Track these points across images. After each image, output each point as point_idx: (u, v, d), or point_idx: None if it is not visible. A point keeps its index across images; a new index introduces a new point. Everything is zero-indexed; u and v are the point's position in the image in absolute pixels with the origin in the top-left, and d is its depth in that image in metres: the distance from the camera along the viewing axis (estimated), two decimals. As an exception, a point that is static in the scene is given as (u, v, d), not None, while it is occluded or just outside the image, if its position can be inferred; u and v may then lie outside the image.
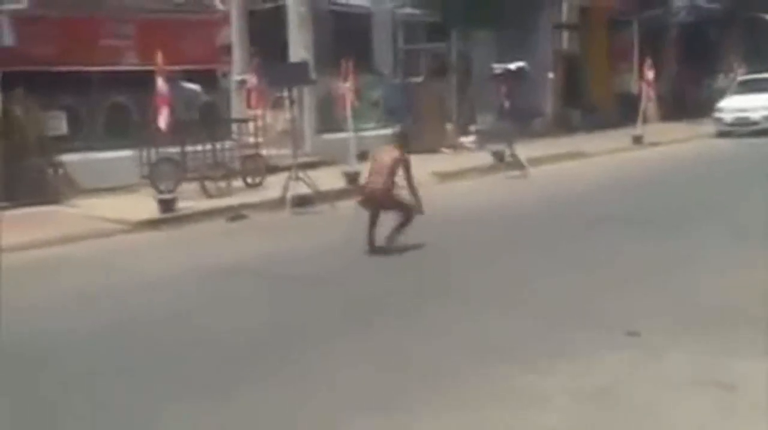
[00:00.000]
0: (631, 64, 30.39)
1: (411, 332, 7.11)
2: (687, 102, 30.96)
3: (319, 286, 8.94)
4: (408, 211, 10.18)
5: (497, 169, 17.97)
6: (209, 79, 18.80)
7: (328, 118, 19.37)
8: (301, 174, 13.98)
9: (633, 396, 5.51)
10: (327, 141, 18.73)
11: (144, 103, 15.57)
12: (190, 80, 17.67)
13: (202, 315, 7.99)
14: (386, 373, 6.16)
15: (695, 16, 32.17)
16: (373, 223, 10.28)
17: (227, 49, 19.14)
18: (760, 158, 18.33)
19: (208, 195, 14.65)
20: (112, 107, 17.11)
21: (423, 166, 15.66)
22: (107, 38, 16.87)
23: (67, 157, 15.34)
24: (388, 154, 10.38)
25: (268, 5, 20.46)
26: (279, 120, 18.35)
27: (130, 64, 16.90)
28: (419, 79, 23.16)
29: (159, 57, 13.63)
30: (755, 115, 24.13)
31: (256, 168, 16.15)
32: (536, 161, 18.21)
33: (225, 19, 19.15)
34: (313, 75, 16.95)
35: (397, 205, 10.26)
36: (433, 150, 20.17)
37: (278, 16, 19.89)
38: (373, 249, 10.18)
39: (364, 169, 11.27)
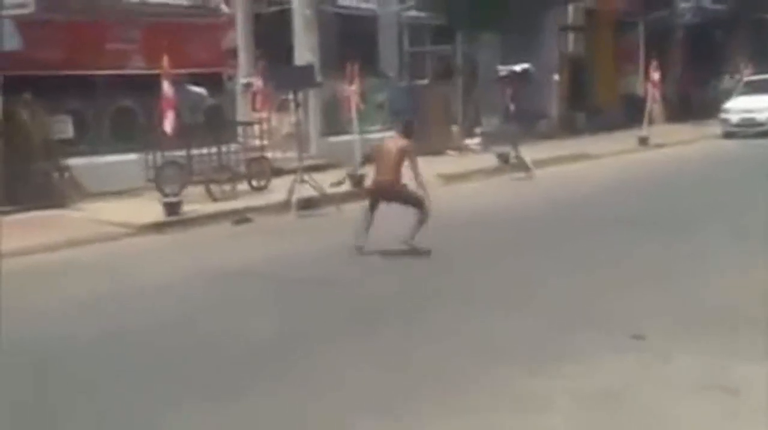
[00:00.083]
0: (637, 66, 30.35)
1: (417, 334, 7.12)
2: (693, 103, 30.95)
3: (324, 288, 8.94)
4: (419, 204, 10.17)
5: (502, 171, 17.97)
6: (215, 83, 18.81)
7: (334, 121, 19.39)
8: (306, 177, 13.99)
9: (637, 400, 5.51)
10: (332, 144, 18.74)
11: (150, 106, 15.61)
12: (196, 84, 17.69)
13: (207, 319, 8.00)
14: (392, 375, 6.16)
15: (701, 17, 32.12)
16: (367, 218, 10.31)
17: (233, 52, 19.18)
18: (767, 159, 18.29)
19: (214, 198, 14.66)
20: (117, 111, 17.13)
21: (428, 167, 15.57)
22: (113, 42, 16.89)
23: (73, 161, 15.37)
24: (394, 143, 10.41)
25: (274, 8, 20.51)
26: (284, 123, 18.38)
27: (135, 67, 16.93)
28: (425, 82, 23.21)
29: (165, 61, 13.66)
30: (761, 116, 24.10)
31: (262, 171, 16.15)
32: (541, 163, 18.20)
33: (230, 22, 19.18)
34: (319, 78, 16.97)
35: (405, 196, 10.26)
36: (438, 152, 20.18)
37: (284, 19, 19.91)
38: (360, 250, 10.24)
39: (370, 172, 11.27)
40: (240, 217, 13.49)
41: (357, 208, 11.13)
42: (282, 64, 17.95)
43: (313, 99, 19.06)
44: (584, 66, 28.54)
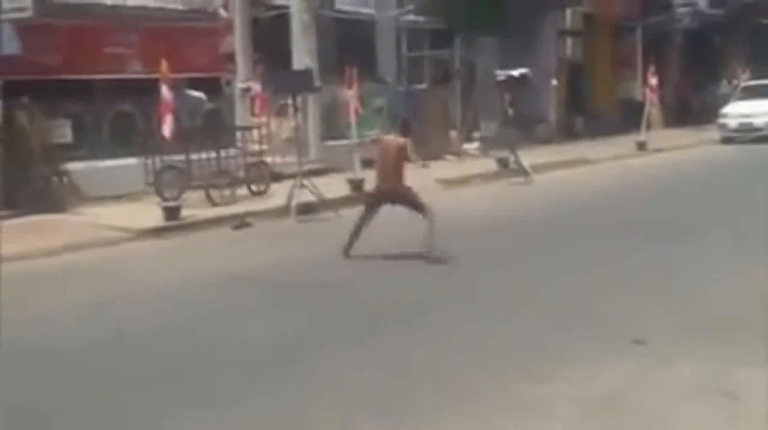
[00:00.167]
0: (635, 71, 30.39)
1: (417, 338, 7.12)
2: (691, 108, 31.04)
3: (324, 293, 8.94)
4: (421, 208, 10.17)
5: (501, 176, 18.00)
6: (213, 87, 18.84)
7: (333, 126, 19.41)
8: (305, 181, 13.99)
9: (637, 404, 5.51)
10: (331, 148, 18.75)
11: (148, 111, 15.62)
12: (195, 88, 17.71)
13: (207, 323, 7.99)
14: (392, 379, 6.16)
15: (699, 22, 32.18)
16: (360, 225, 10.33)
17: (231, 56, 19.18)
18: (764, 164, 18.32)
19: (213, 203, 14.65)
20: (116, 115, 17.15)
21: (427, 173, 15.62)
22: (112, 46, 16.92)
23: (72, 166, 15.37)
24: (394, 141, 10.43)
25: (272, 13, 20.51)
26: (283, 127, 18.37)
27: (134, 72, 16.95)
28: (423, 86, 23.23)
29: (163, 65, 13.67)
30: (759, 121, 24.12)
31: (261, 176, 16.15)
32: (540, 168, 18.22)
33: (229, 26, 19.18)
34: (317, 82, 16.98)
35: (409, 199, 10.25)
36: (436, 157, 20.15)
37: (282, 23, 19.92)
38: (348, 253, 10.26)
39: (369, 176, 11.28)
40: (239, 222, 13.48)
41: (356, 213, 11.12)
42: (280, 68, 17.95)
43: (312, 104, 19.07)
44: (582, 71, 28.59)
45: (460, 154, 21.90)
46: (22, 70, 14.83)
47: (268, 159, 16.76)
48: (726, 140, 24.52)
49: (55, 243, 12.02)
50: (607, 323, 7.34)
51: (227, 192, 15.01)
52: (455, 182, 17.50)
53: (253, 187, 15.94)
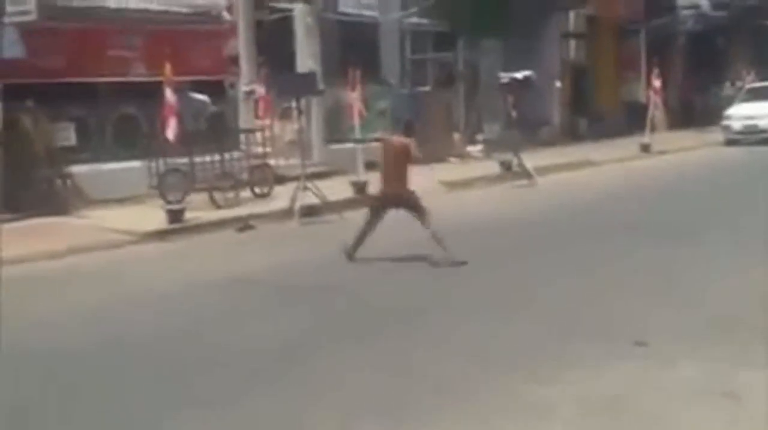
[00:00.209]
0: (639, 73, 30.41)
1: (418, 340, 7.13)
2: (694, 110, 31.01)
3: (327, 295, 8.95)
4: (422, 214, 10.18)
5: (504, 179, 17.99)
6: (217, 90, 18.84)
7: (336, 128, 19.43)
8: (309, 184, 14.01)
9: (639, 406, 5.51)
10: (335, 151, 18.76)
11: (152, 114, 15.64)
12: (199, 91, 17.71)
13: (210, 326, 8.01)
14: (393, 380, 6.17)
15: (702, 24, 32.16)
16: (366, 230, 10.33)
17: (235, 59, 19.19)
18: (768, 166, 18.33)
19: (217, 206, 14.68)
20: (120, 118, 17.17)
21: (430, 175, 15.73)
22: (116, 49, 16.94)
23: (76, 169, 15.42)
24: (398, 142, 10.43)
25: (276, 16, 20.51)
26: (287, 130, 18.40)
27: (138, 75, 16.97)
28: (426, 89, 23.22)
29: (167, 68, 13.68)
30: (763, 123, 24.08)
31: (265, 178, 16.18)
32: (544, 170, 18.22)
33: (232, 29, 19.19)
34: (321, 85, 17.00)
35: (412, 204, 10.26)
36: (440, 159, 20.20)
37: (286, 26, 19.95)
38: (352, 257, 10.28)
39: (373, 178, 11.29)
40: (243, 224, 13.50)
41: (360, 215, 11.14)
42: (284, 71, 17.97)
43: (316, 106, 19.09)
44: (586, 73, 28.57)
45: (463, 156, 21.92)
46: (26, 73, 14.87)
47: (272, 162, 16.79)
48: (730, 142, 24.50)
49: (58, 246, 12.05)
50: (608, 323, 7.34)
51: (231, 195, 15.04)
52: (458, 184, 17.50)
53: (257, 190, 15.97)
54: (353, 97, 16.13)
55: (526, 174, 17.45)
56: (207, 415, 5.71)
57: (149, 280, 10.23)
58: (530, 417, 5.42)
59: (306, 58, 19.23)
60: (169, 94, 13.69)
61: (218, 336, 7.61)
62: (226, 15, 19.22)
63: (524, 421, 5.38)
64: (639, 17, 30.30)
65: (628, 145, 23.22)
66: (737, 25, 32.69)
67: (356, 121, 16.00)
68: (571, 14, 27.97)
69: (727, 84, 31.58)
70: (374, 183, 11.61)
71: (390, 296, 8.85)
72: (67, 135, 16.07)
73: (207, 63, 18.48)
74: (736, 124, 24.67)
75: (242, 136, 17.13)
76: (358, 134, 15.97)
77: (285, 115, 18.45)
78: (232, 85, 19.41)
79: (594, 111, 28.24)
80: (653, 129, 23.87)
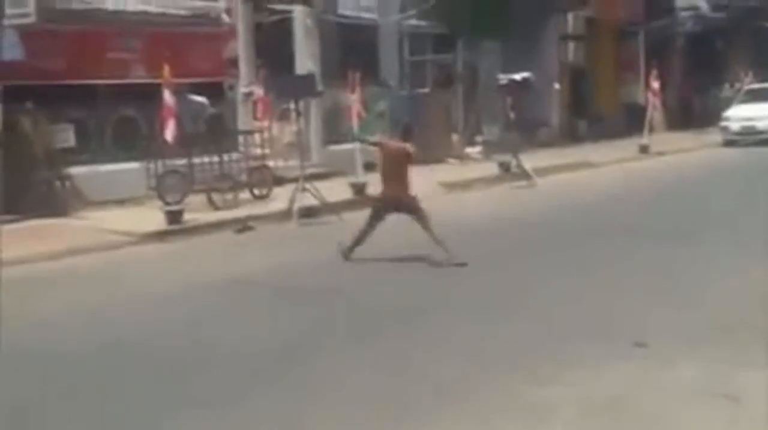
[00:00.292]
0: (638, 74, 30.39)
1: (417, 340, 7.13)
2: (693, 111, 31.04)
3: (326, 297, 8.95)
4: (421, 218, 10.19)
5: (504, 180, 18.00)
6: (216, 92, 18.82)
7: (335, 130, 19.42)
8: (308, 185, 14.01)
9: (639, 407, 5.51)
10: (334, 152, 18.76)
11: (151, 115, 15.66)
12: (197, 93, 17.70)
13: (209, 327, 8.01)
14: (392, 381, 6.17)
15: (701, 26, 32.17)
16: (366, 231, 10.33)
17: (234, 61, 19.19)
18: (767, 167, 18.30)
19: (215, 207, 14.69)
20: (119, 120, 17.15)
21: (429, 176, 15.76)
22: (115, 51, 16.91)
23: (75, 170, 15.43)
24: (397, 145, 10.43)
25: (275, 18, 20.51)
26: (286, 132, 18.40)
27: (137, 77, 16.95)
28: (425, 91, 23.22)
29: (166, 70, 13.70)
30: (762, 125, 24.09)
31: (263, 180, 16.19)
32: (543, 171, 18.23)
33: (231, 31, 19.19)
34: (320, 87, 17.01)
35: (412, 208, 10.26)
36: (439, 161, 20.21)
37: (285, 28, 19.95)
38: (348, 257, 10.28)
39: (371, 180, 11.29)
40: (242, 225, 13.49)
41: (359, 216, 11.14)
42: (283, 73, 17.96)
43: (315, 108, 19.09)
44: (585, 74, 28.57)
45: (462, 157, 21.91)
46: (25, 75, 14.85)
47: (271, 163, 16.80)
48: (729, 143, 24.52)
49: (57, 247, 12.05)
50: (608, 324, 7.35)
51: (229, 196, 15.04)
52: (458, 186, 17.51)
53: (256, 191, 15.97)
54: (352, 99, 16.13)
55: (525, 175, 17.46)
56: (207, 415, 5.71)
57: (148, 281, 10.23)
58: (530, 417, 5.41)
59: (305, 60, 19.23)
60: (168, 96, 13.71)
61: (217, 337, 7.61)
62: (225, 17, 19.21)
63: (524, 421, 5.38)
64: (638, 19, 30.31)
65: (627, 146, 23.23)
66: (736, 27, 32.69)
67: (355, 122, 15.99)
68: (570, 16, 27.96)
69: (726, 85, 31.58)
70: (373, 184, 11.61)
71: (390, 296, 8.85)
72: (67, 137, 16.05)
73: (206, 65, 18.46)
74: (735, 126, 24.69)
75: (241, 138, 17.12)
76: (358, 135, 15.96)
77: (284, 116, 18.46)
78: (231, 87, 19.40)
79: (593, 112, 28.24)
80: (652, 130, 23.87)
